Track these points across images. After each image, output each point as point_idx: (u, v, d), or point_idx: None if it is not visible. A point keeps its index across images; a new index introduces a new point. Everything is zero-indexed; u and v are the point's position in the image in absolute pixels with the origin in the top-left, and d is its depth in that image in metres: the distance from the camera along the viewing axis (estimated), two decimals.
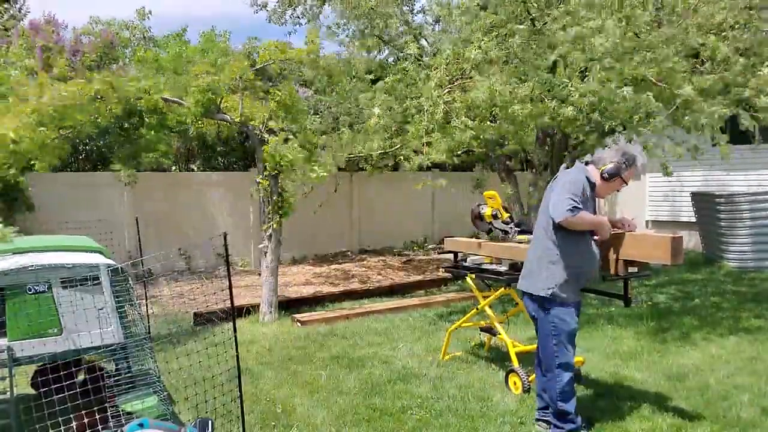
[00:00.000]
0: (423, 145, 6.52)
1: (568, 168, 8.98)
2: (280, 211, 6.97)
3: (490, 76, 5.90)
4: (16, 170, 6.28)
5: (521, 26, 6.03)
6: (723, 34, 5.63)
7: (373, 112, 6.98)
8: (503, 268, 4.90)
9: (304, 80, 11.56)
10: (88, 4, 25.27)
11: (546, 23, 6.26)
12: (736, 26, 5.55)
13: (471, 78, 6.72)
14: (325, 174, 7.02)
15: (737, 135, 6.20)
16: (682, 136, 6.86)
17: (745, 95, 5.48)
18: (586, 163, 3.88)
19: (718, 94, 5.58)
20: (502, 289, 4.85)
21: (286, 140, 6.88)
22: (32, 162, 6.16)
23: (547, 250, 3.69)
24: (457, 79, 7.17)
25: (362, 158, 8.82)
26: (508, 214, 5.08)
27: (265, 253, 7.15)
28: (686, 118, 5.68)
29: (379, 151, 8.39)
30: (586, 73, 5.63)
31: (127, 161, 9.37)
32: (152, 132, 9.70)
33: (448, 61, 6.73)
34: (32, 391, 4.13)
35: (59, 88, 5.91)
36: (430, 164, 7.05)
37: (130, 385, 3.64)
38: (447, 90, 6.75)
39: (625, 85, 5.37)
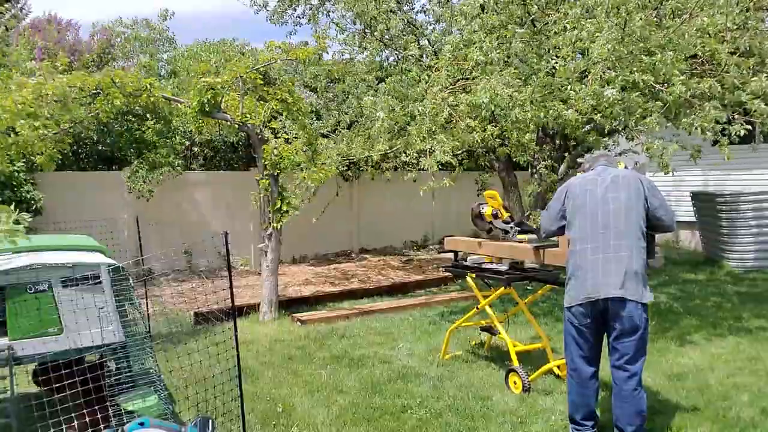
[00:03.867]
0: (428, 149, 6.52)
1: (569, 169, 8.99)
2: (280, 211, 6.97)
3: (490, 78, 5.90)
4: (16, 163, 6.27)
5: (521, 30, 6.03)
6: (721, 35, 5.64)
7: (377, 116, 6.97)
8: (503, 268, 4.91)
9: (307, 84, 11.61)
10: (90, 3, 25.30)
11: (546, 24, 6.27)
12: (735, 28, 5.56)
13: (473, 79, 6.72)
14: (325, 175, 7.02)
15: (738, 135, 6.21)
16: (684, 138, 6.87)
17: (743, 99, 5.48)
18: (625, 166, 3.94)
19: (715, 98, 5.58)
20: (503, 288, 4.85)
21: (287, 141, 6.89)
22: (32, 156, 6.16)
23: (644, 253, 3.52)
24: (458, 81, 7.17)
25: (363, 160, 8.82)
26: (509, 214, 5.09)
27: (266, 252, 7.15)
28: (684, 120, 5.70)
29: (381, 153, 8.40)
30: (586, 74, 5.64)
31: (142, 176, 9.51)
32: (160, 139, 9.80)
33: (449, 62, 6.73)
34: (33, 390, 4.14)
35: (62, 79, 5.91)
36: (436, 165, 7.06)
37: (131, 384, 3.64)
38: (449, 92, 6.75)
39: (623, 89, 5.39)
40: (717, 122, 5.50)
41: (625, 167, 3.85)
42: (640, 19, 5.16)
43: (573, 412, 3.69)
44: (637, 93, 5.36)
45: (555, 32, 5.81)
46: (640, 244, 3.48)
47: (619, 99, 5.24)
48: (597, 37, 5.20)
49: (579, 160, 4.07)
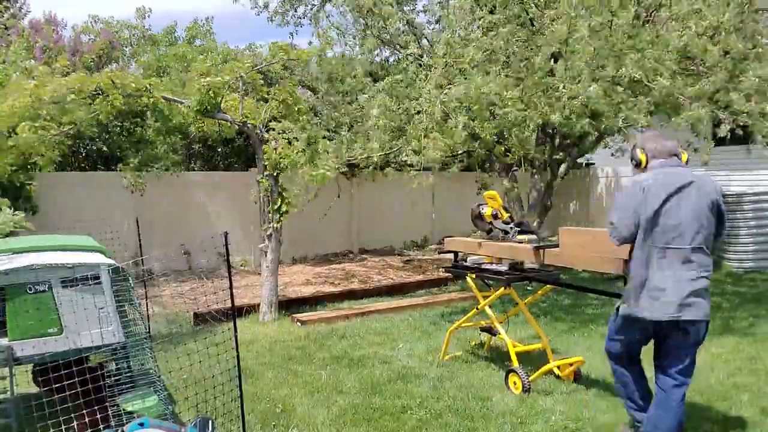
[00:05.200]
0: (422, 147, 6.52)
1: (569, 169, 8.97)
2: (280, 211, 6.97)
3: (478, 74, 5.89)
4: (17, 168, 6.28)
5: (519, 28, 6.04)
6: (713, 36, 5.63)
7: (371, 114, 6.98)
8: (503, 268, 4.91)
9: (306, 83, 11.59)
10: (86, 2, 25.27)
11: (543, 24, 6.27)
12: (732, 30, 5.55)
13: (469, 78, 6.73)
14: (326, 174, 7.01)
15: (736, 135, 6.21)
16: (685, 138, 6.87)
17: (733, 98, 5.48)
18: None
19: (705, 97, 5.58)
20: (503, 288, 4.85)
21: (288, 142, 6.88)
22: (33, 160, 6.18)
23: (710, 270, 3.36)
24: (454, 78, 7.18)
25: (362, 160, 8.81)
26: (508, 214, 5.09)
27: (265, 252, 7.15)
28: (672, 119, 5.71)
29: (379, 153, 8.40)
30: (580, 75, 5.63)
31: (137, 169, 9.49)
32: (159, 136, 9.78)
33: (446, 61, 6.73)
34: (33, 391, 4.14)
35: (60, 81, 5.91)
36: (434, 165, 7.06)
37: (131, 385, 3.64)
38: (445, 90, 6.76)
39: (618, 84, 5.38)
40: (704, 120, 5.50)
41: (687, 161, 3.50)
42: (623, 15, 5.16)
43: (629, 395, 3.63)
44: (622, 89, 5.35)
45: (551, 30, 5.81)
46: (710, 258, 3.33)
47: (602, 96, 5.23)
48: (580, 32, 5.20)
49: (627, 144, 3.81)
